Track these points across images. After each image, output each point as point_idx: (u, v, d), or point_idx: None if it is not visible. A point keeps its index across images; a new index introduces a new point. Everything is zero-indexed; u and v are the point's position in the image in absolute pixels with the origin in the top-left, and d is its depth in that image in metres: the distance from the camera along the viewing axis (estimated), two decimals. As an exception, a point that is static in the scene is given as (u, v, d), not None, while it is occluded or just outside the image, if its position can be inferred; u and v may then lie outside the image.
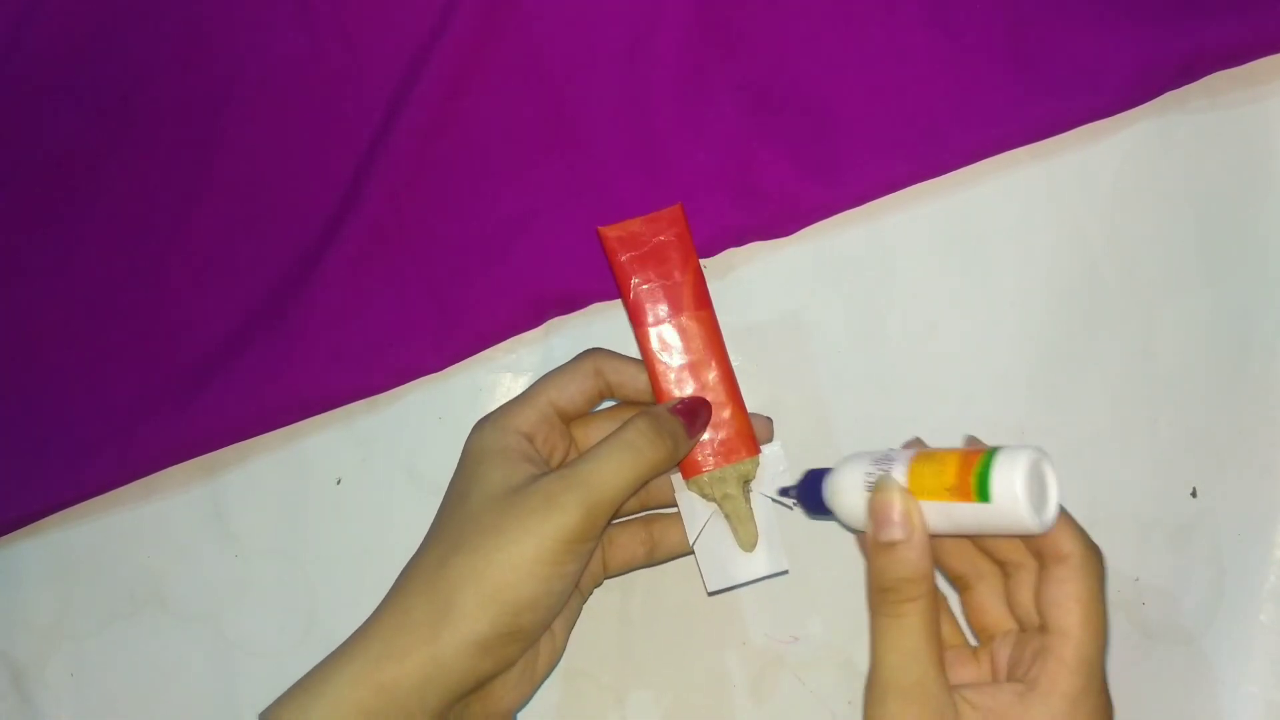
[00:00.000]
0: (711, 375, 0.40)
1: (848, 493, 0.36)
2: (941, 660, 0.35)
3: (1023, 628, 0.37)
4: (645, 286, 0.40)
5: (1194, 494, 0.44)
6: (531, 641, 0.37)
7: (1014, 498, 0.32)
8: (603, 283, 0.44)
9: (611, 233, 0.40)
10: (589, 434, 0.41)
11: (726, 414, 0.40)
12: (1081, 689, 0.34)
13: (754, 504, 0.40)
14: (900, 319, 0.45)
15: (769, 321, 0.45)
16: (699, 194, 0.44)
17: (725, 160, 0.44)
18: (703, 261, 0.43)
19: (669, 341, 0.40)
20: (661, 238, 0.40)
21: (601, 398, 0.41)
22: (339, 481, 0.46)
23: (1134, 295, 0.45)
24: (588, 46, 0.45)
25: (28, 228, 0.47)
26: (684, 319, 0.40)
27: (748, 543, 0.40)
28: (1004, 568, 0.38)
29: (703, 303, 0.40)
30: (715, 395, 0.40)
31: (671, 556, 0.42)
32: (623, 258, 0.40)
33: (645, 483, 0.37)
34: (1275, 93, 0.45)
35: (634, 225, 0.40)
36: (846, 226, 0.45)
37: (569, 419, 0.40)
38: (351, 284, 0.45)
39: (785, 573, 0.40)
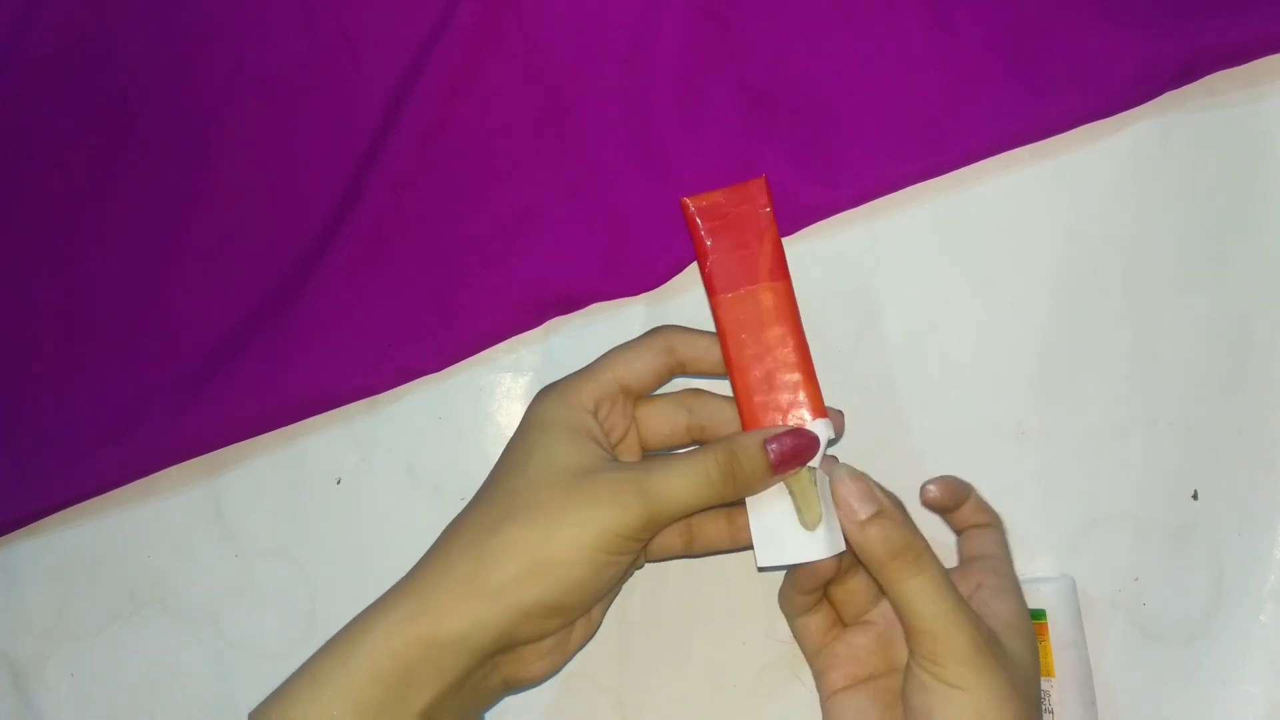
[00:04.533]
0: (785, 347, 0.39)
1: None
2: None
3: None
4: (722, 256, 0.39)
5: (1195, 496, 0.44)
6: (572, 619, 0.38)
7: None
8: (603, 282, 0.45)
9: (694, 203, 0.39)
10: (651, 415, 0.41)
11: (799, 388, 0.39)
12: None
13: (818, 482, 0.38)
14: (900, 319, 0.45)
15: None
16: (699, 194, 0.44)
17: (725, 160, 0.44)
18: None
19: (744, 311, 0.39)
20: (742, 208, 0.39)
21: (671, 375, 0.40)
22: (339, 481, 0.46)
23: (1134, 295, 0.45)
24: (588, 46, 0.45)
25: (27, 227, 0.47)
26: (760, 289, 0.39)
27: (812, 521, 0.38)
28: None
29: (779, 273, 0.39)
30: (787, 367, 0.39)
31: (709, 551, 0.41)
32: (703, 227, 0.39)
33: (709, 508, 0.38)
34: (1275, 93, 0.45)
35: (716, 196, 0.39)
36: (846, 226, 0.45)
37: (634, 396, 0.40)
38: (351, 284, 0.45)
39: (844, 553, 0.38)
